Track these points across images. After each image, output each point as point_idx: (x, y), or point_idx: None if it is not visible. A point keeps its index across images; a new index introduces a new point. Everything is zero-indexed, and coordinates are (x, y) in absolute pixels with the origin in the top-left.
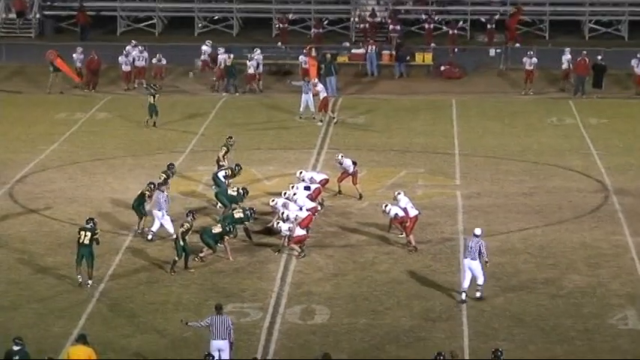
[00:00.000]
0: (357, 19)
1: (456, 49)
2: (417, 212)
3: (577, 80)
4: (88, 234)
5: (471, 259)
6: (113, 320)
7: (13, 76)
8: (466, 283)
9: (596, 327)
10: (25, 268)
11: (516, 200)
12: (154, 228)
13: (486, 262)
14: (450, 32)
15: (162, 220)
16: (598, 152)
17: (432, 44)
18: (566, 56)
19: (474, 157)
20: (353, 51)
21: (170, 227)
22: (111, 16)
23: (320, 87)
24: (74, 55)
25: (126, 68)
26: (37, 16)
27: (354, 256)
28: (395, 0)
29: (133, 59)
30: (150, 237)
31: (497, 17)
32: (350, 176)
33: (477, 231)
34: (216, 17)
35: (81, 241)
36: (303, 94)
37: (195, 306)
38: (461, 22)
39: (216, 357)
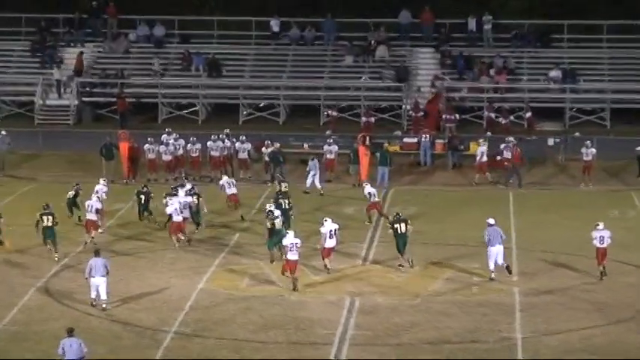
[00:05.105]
0: (409, 107)
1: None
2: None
3: (511, 170)
4: (50, 217)
5: (498, 244)
6: None
7: (52, 164)
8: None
9: None
10: None
11: (576, 297)
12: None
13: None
14: (503, 122)
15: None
16: None
17: (488, 133)
18: (482, 148)
19: (531, 251)
20: (405, 140)
21: None
22: (152, 103)
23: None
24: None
25: (166, 158)
26: (76, 102)
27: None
28: (449, 87)
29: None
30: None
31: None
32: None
33: (491, 220)
34: (262, 104)
35: (45, 224)
36: (311, 171)
37: None
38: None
39: None
